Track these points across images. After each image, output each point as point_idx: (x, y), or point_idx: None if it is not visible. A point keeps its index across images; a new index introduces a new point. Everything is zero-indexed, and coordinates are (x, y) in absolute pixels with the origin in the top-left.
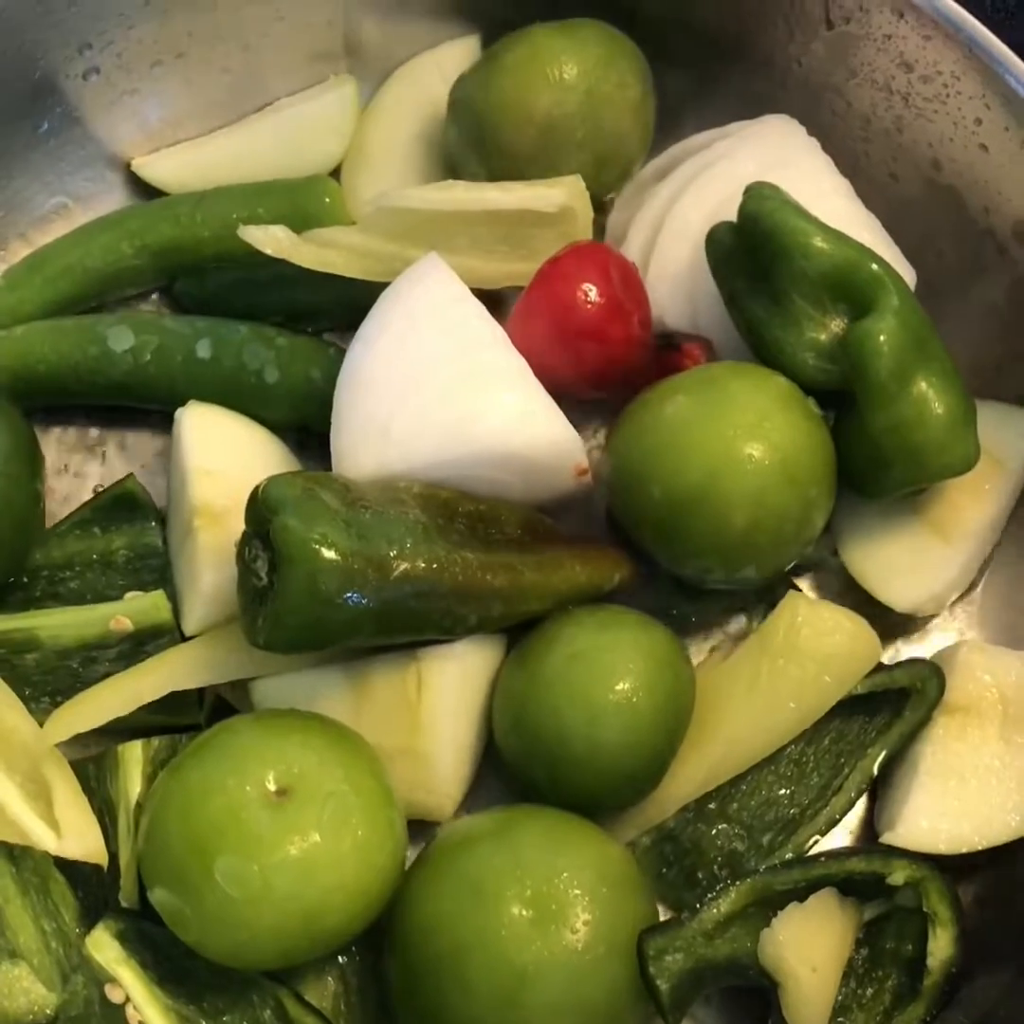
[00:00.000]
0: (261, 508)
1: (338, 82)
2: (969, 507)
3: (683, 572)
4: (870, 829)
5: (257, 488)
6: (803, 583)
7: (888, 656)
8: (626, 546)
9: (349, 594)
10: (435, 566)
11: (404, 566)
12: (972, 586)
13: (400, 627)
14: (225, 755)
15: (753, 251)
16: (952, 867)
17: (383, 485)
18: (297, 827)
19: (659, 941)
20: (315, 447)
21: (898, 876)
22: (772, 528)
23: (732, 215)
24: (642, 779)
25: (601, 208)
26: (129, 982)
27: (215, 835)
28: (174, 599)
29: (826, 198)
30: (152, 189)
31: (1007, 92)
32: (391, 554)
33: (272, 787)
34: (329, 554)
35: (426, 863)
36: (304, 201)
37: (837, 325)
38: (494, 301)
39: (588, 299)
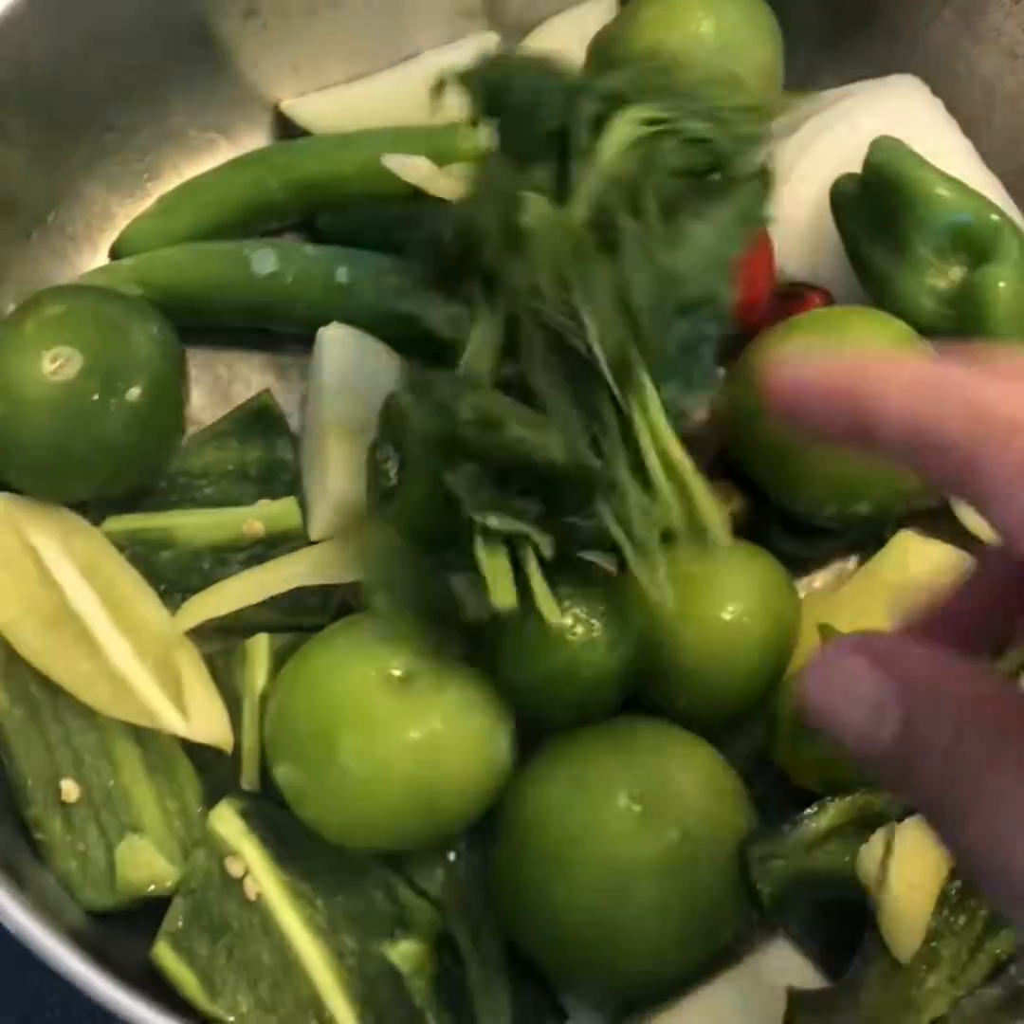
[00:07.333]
0: (392, 412)
1: (479, 37)
2: None
3: (795, 506)
4: None
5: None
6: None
7: None
8: (741, 482)
9: None
10: None
11: None
12: None
13: None
14: (352, 641)
15: (877, 200)
16: None
17: None
18: (419, 712)
19: (763, 847)
20: None
21: None
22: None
23: (854, 171)
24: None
25: None
26: (251, 855)
27: (340, 714)
28: (303, 508)
29: (947, 156)
30: (297, 129)
31: None
32: None
33: (397, 673)
34: None
35: (537, 759)
36: (443, 146)
37: (956, 273)
38: None
39: None
